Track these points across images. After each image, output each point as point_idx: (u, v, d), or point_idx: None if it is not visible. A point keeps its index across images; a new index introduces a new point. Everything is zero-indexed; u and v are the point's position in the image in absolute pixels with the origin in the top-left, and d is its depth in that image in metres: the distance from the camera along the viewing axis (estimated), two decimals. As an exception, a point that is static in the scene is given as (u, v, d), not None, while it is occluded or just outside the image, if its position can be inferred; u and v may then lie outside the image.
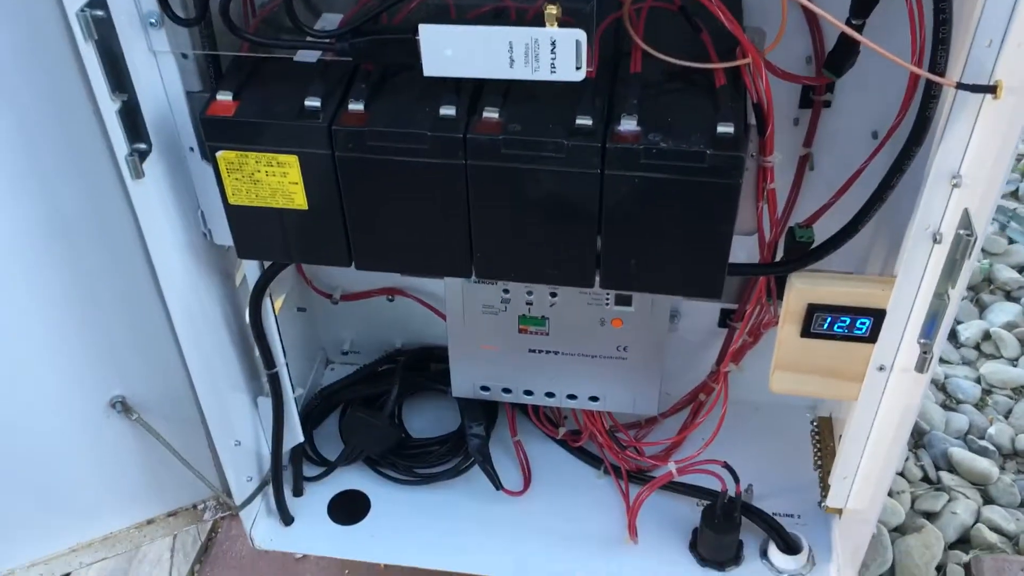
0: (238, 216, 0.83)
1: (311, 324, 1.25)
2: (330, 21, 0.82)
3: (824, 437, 1.11)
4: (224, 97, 0.78)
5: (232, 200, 0.81)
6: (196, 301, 0.93)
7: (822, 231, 0.89)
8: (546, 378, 1.07)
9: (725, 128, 0.72)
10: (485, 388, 1.09)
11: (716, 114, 0.74)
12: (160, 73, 0.80)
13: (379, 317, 1.23)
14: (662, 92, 0.77)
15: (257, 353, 1.00)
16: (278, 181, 0.79)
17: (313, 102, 0.76)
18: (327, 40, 0.75)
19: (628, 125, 0.74)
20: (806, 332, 0.86)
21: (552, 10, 0.70)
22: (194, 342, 0.94)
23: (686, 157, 0.72)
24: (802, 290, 0.84)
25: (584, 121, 0.74)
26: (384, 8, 0.74)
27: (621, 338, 1.01)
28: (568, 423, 1.17)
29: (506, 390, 1.09)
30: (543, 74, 0.72)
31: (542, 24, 0.70)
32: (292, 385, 1.05)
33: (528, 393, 1.09)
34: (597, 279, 0.82)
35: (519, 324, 1.03)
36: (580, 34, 0.70)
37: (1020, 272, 1.64)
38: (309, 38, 0.76)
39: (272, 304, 0.97)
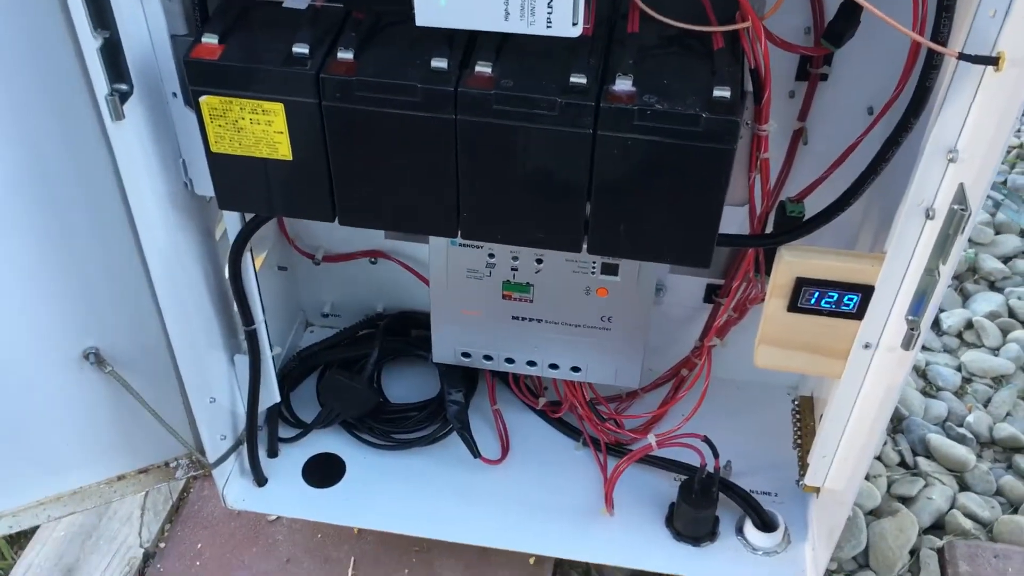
0: (220, 165, 0.81)
1: (292, 284, 1.23)
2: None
3: (805, 416, 1.10)
4: (209, 40, 0.75)
5: (215, 148, 0.79)
6: (175, 254, 0.91)
7: (813, 207, 0.88)
8: (528, 346, 1.05)
9: (721, 92, 0.71)
10: (466, 355, 1.08)
11: (713, 77, 0.72)
12: (144, 12, 0.77)
13: (361, 280, 1.21)
14: (659, 54, 0.75)
15: (236, 309, 0.99)
16: (263, 129, 0.77)
17: (301, 49, 0.74)
18: (318, -15, 0.73)
19: (623, 85, 0.72)
20: (793, 306, 0.85)
21: (550, -37, 0.68)
22: (172, 296, 0.92)
23: (681, 120, 0.71)
24: (791, 263, 0.83)
25: (578, 79, 0.72)
26: (377, -46, 0.72)
27: (606, 308, 1.00)
28: (549, 393, 1.16)
29: (487, 357, 1.07)
30: (538, 28, 0.70)
31: None
32: (270, 344, 1.03)
33: (509, 361, 1.07)
34: (585, 244, 0.81)
35: (503, 290, 1.01)
36: (578, -10, 0.68)
37: (1005, 262, 1.64)
38: (300, -18, 0.74)
39: (252, 260, 0.96)
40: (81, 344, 0.98)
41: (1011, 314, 1.55)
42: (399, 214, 0.82)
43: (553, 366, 1.07)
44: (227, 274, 0.95)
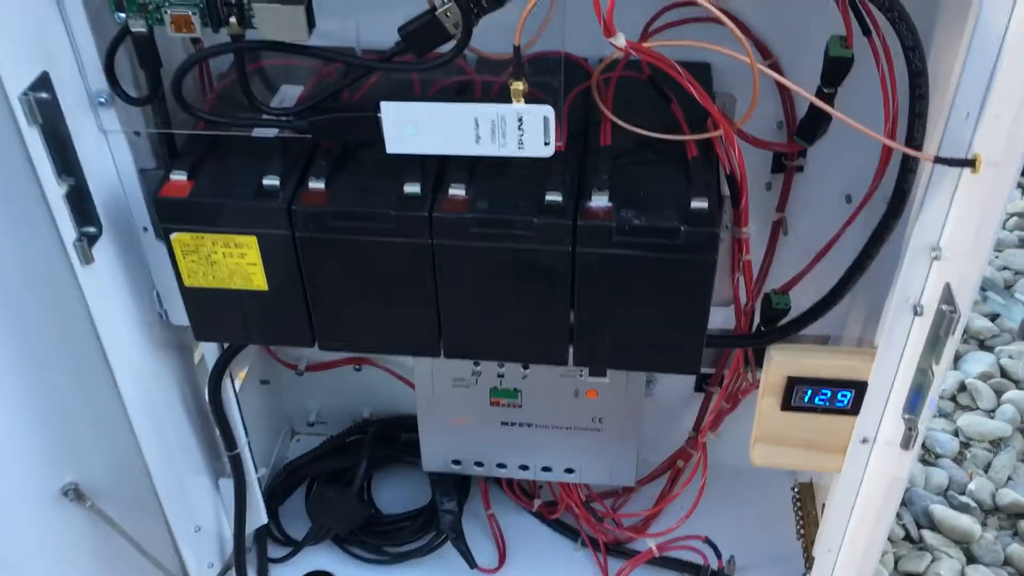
0: (195, 298, 0.79)
1: (275, 396, 1.21)
2: (288, 95, 0.80)
3: (806, 504, 1.08)
4: (178, 177, 0.74)
5: (188, 282, 0.78)
6: (152, 382, 0.89)
7: (798, 296, 0.87)
8: (520, 451, 1.03)
9: (699, 203, 0.70)
10: (456, 462, 1.06)
11: (689, 188, 0.72)
12: (111, 152, 0.77)
13: (346, 387, 1.19)
14: (633, 165, 0.75)
15: (217, 433, 0.96)
16: (236, 262, 0.76)
17: (271, 181, 0.73)
18: (286, 118, 0.72)
19: (599, 201, 0.71)
20: (787, 405, 0.84)
21: (518, 86, 0.67)
22: (150, 425, 0.90)
23: (659, 234, 0.70)
24: (781, 363, 0.81)
25: (554, 197, 0.71)
26: (345, 85, 0.72)
27: (596, 409, 0.98)
28: (543, 493, 1.14)
29: (478, 463, 1.05)
30: (510, 150, 0.70)
31: (508, 99, 0.68)
32: (255, 465, 1.00)
33: (501, 466, 1.05)
34: (570, 356, 0.79)
35: (491, 397, 0.99)
36: (548, 110, 0.68)
37: (993, 320, 1.63)
38: (267, 116, 0.73)
39: (233, 382, 0.94)
40: (59, 480, 0.95)
41: (1003, 374, 1.54)
42: (380, 337, 0.80)
43: (546, 469, 1.04)
44: (207, 399, 0.93)
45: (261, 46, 0.66)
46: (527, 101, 0.68)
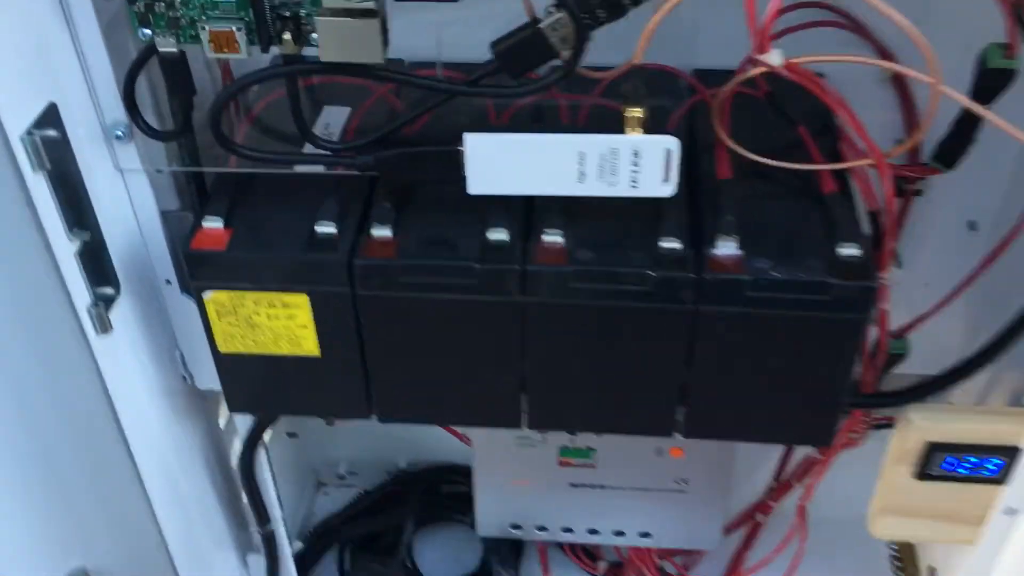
0: (231, 366, 0.66)
1: (302, 447, 1.08)
2: (334, 119, 0.67)
3: (908, 566, 0.97)
4: (212, 224, 0.62)
5: (224, 348, 0.65)
6: (173, 454, 0.76)
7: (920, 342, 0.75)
8: (589, 515, 0.91)
9: (849, 249, 0.58)
10: (516, 526, 0.93)
11: (832, 230, 0.60)
12: (129, 195, 0.64)
13: (379, 435, 1.06)
14: (759, 202, 0.62)
15: (245, 500, 0.84)
16: (283, 325, 0.63)
17: (327, 228, 0.61)
18: (348, 153, 0.60)
19: (726, 248, 0.59)
20: (922, 474, 0.72)
21: (636, 113, 0.55)
22: (170, 501, 0.77)
23: (804, 288, 0.58)
24: (922, 427, 0.69)
25: (670, 244, 0.59)
26: (419, 113, 0.59)
27: (681, 469, 0.86)
28: (607, 553, 1.02)
29: (541, 528, 0.93)
30: (621, 190, 0.58)
31: (605, 126, 0.56)
32: (289, 539, 0.88)
33: (567, 531, 0.93)
34: (680, 429, 0.67)
35: (560, 456, 0.87)
36: (671, 142, 0.56)
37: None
38: (321, 150, 0.60)
39: (267, 452, 0.81)
40: (66, 566, 0.82)
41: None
42: (451, 408, 0.68)
43: (619, 533, 0.92)
44: (236, 469, 0.80)
45: (325, 69, 0.53)
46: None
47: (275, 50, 0.55)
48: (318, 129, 0.66)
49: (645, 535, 0.92)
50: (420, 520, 1.03)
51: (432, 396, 0.67)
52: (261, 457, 0.79)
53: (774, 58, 0.50)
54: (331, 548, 1.04)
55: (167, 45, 0.54)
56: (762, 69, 0.54)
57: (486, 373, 0.65)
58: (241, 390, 0.68)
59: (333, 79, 0.66)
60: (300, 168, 0.63)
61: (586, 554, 1.01)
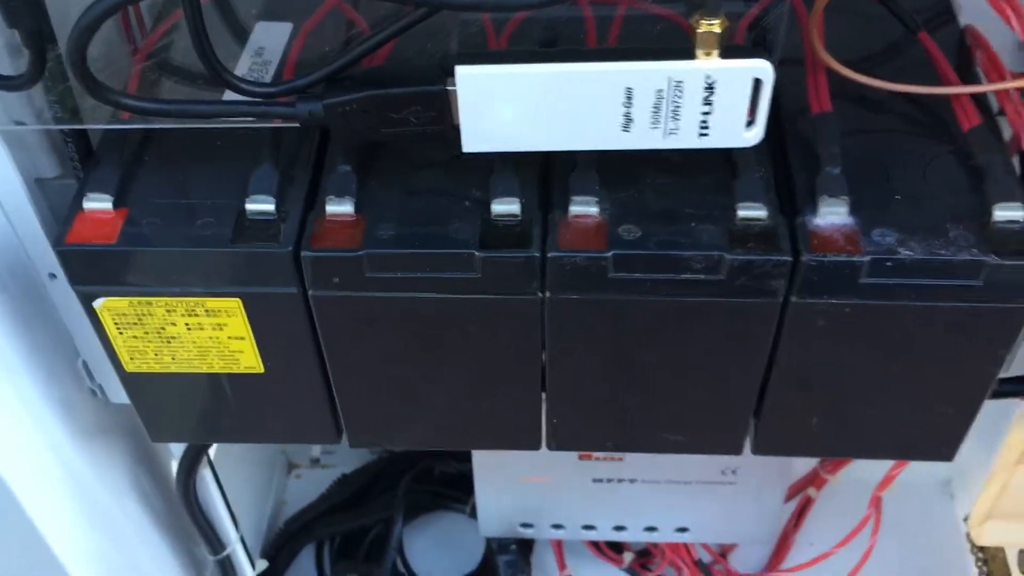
0: (144, 389, 0.49)
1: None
2: (271, 38, 0.48)
3: (994, 571, 0.82)
4: (97, 205, 0.43)
5: (131, 368, 0.48)
6: (92, 476, 0.59)
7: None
8: (616, 510, 0.75)
9: (1008, 212, 0.41)
10: (527, 525, 0.78)
11: (980, 184, 0.42)
12: (-22, 159, 0.45)
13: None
14: (870, 147, 0.45)
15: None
16: (210, 336, 0.46)
17: (261, 204, 0.42)
18: (282, 99, 0.41)
19: (833, 215, 0.41)
20: (1051, 476, 0.56)
21: (711, 26, 0.36)
22: (88, 531, 0.60)
23: (946, 271, 0.40)
24: (1060, 424, 0.54)
25: (753, 212, 0.41)
26: (385, 36, 0.40)
27: (731, 458, 0.70)
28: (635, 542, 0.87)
29: (557, 526, 0.77)
30: (686, 140, 0.40)
31: (655, 46, 0.38)
32: (252, 560, 0.72)
33: (588, 528, 0.77)
34: (749, 444, 0.51)
35: (580, 449, 0.71)
36: (763, 68, 0.37)
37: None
38: (245, 95, 0.41)
39: (213, 468, 0.64)
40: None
41: None
42: (448, 430, 0.51)
43: (651, 528, 0.77)
44: (178, 496, 0.64)
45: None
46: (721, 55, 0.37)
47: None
48: (247, 56, 0.47)
49: (682, 530, 0.77)
50: (411, 510, 0.87)
51: (421, 417, 0.50)
52: (205, 478, 0.63)
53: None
54: (307, 546, 0.89)
55: (-11, -54, 0.35)
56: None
57: (493, 390, 0.48)
58: (163, 416, 0.51)
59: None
60: (217, 122, 0.44)
61: (610, 546, 0.86)
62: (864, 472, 0.76)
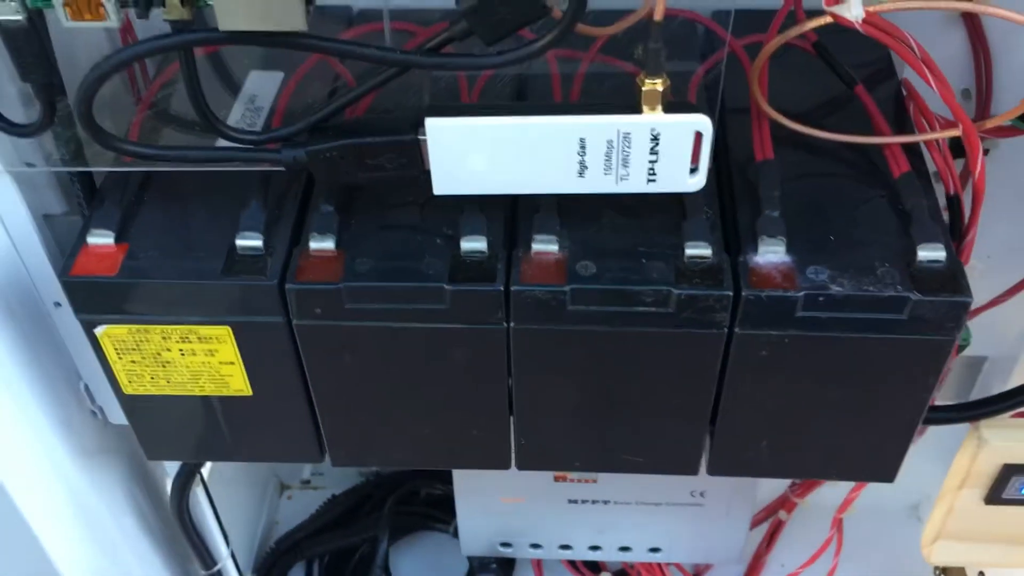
0: (142, 410, 0.53)
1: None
2: (263, 87, 0.52)
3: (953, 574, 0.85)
4: (100, 240, 0.47)
5: (130, 390, 0.51)
6: (93, 495, 0.63)
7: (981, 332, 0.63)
8: (591, 531, 0.79)
9: (931, 252, 0.45)
10: (506, 544, 0.81)
11: (907, 225, 0.46)
12: (-9, 201, 0.49)
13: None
14: (807, 191, 0.49)
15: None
16: (202, 362, 0.50)
17: (250, 240, 0.46)
18: (269, 147, 0.45)
19: (772, 254, 0.45)
20: (994, 498, 0.60)
21: (655, 84, 0.41)
22: (87, 546, 0.64)
23: (875, 306, 0.44)
24: (999, 448, 0.57)
25: (698, 251, 0.45)
26: (364, 91, 0.44)
27: (698, 481, 0.74)
28: (611, 563, 0.90)
29: (535, 546, 0.81)
30: (635, 185, 0.44)
31: (612, 99, 0.42)
32: (242, 573, 0.75)
33: (565, 548, 0.81)
34: (704, 465, 0.55)
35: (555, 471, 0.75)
36: (702, 122, 0.41)
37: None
38: (236, 143, 0.45)
39: (205, 485, 0.68)
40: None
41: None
42: (422, 450, 0.55)
43: (625, 548, 0.80)
44: (172, 513, 0.67)
45: (228, 38, 0.38)
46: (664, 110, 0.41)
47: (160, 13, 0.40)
48: (240, 103, 0.51)
49: (655, 550, 0.80)
50: (396, 530, 0.90)
51: (397, 437, 0.54)
52: (198, 496, 0.66)
53: (852, 9, 0.36)
54: (297, 564, 0.92)
55: (8, 12, 0.39)
56: (824, 21, 0.39)
57: (463, 413, 0.51)
58: (158, 436, 0.55)
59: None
60: (210, 166, 0.48)
61: (587, 564, 0.89)
62: (832, 496, 0.79)
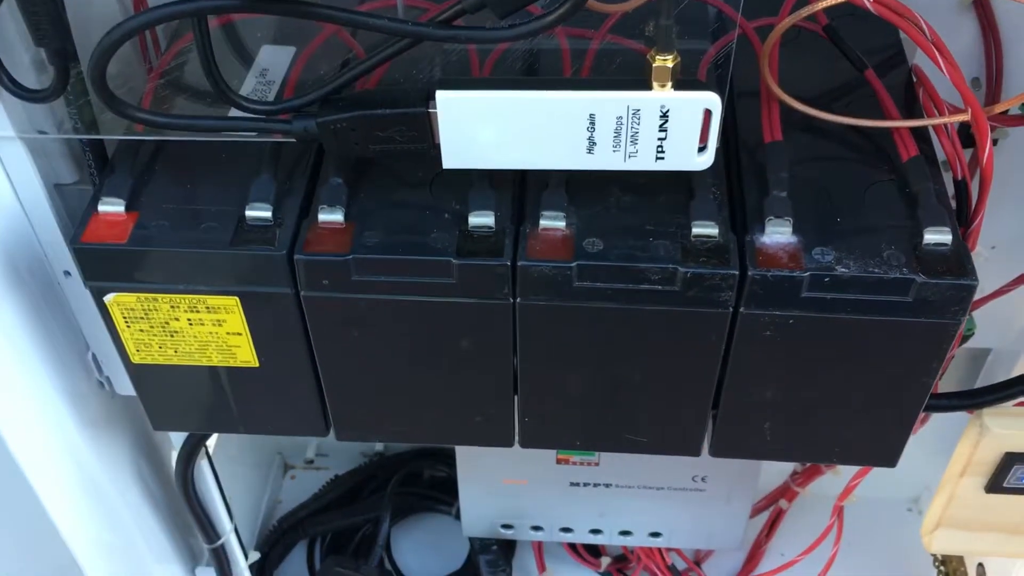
0: (148, 379, 0.53)
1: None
2: (275, 60, 0.52)
3: (952, 564, 0.86)
4: (110, 208, 0.47)
5: (136, 359, 0.52)
6: (98, 466, 0.63)
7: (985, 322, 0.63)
8: (592, 514, 0.79)
9: (936, 235, 0.45)
10: (507, 526, 0.81)
11: (914, 209, 0.46)
12: (4, 167, 0.49)
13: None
14: (815, 173, 0.49)
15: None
16: (210, 331, 0.50)
17: (260, 211, 0.47)
18: (279, 116, 0.45)
19: (778, 234, 0.45)
20: (996, 487, 0.60)
21: (665, 61, 0.41)
22: (91, 517, 0.64)
23: (880, 288, 0.44)
24: (1001, 436, 0.57)
25: (705, 230, 0.45)
26: (375, 63, 0.44)
27: (700, 466, 0.74)
28: (611, 547, 0.90)
29: (536, 528, 0.81)
30: (643, 162, 0.44)
31: (622, 76, 0.42)
32: (245, 551, 0.76)
33: (566, 531, 0.81)
34: (707, 446, 0.55)
35: (558, 453, 0.75)
36: (711, 100, 0.42)
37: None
38: (246, 112, 0.45)
39: (210, 458, 0.68)
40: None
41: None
42: (426, 426, 0.55)
43: (625, 532, 0.81)
44: (177, 485, 0.68)
45: (242, 6, 0.39)
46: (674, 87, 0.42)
47: (174, -21, 0.40)
48: (253, 75, 0.52)
49: (655, 535, 0.80)
50: (399, 511, 0.91)
51: (402, 412, 0.54)
52: (203, 469, 0.67)
53: (864, -13, 0.36)
54: (300, 542, 0.92)
55: (22, -27, 0.40)
56: (835, 0, 0.39)
57: (468, 388, 0.52)
58: (165, 406, 0.55)
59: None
60: (221, 136, 0.48)
61: (588, 550, 0.90)
62: (833, 486, 0.79)
